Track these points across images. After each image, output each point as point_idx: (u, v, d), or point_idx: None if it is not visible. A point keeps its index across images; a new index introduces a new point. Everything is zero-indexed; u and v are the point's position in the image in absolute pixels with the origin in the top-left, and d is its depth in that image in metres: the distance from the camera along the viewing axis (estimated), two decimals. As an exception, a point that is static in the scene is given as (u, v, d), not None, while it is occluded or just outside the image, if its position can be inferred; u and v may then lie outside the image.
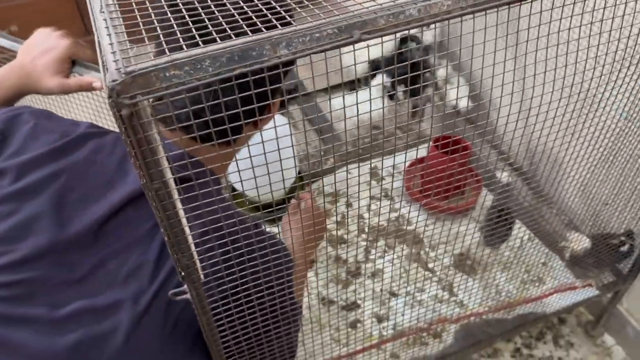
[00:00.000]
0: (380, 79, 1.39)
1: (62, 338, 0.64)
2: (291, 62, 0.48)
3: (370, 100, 0.58)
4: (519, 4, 0.49)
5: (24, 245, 0.64)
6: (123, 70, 0.39)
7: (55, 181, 0.66)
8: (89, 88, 0.86)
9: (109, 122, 1.23)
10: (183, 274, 0.57)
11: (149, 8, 0.50)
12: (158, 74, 0.40)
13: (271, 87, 0.45)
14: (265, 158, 0.51)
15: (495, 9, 0.49)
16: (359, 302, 1.19)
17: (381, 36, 0.46)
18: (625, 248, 1.16)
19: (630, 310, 1.35)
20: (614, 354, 1.37)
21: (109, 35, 0.43)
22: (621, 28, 0.63)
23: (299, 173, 1.38)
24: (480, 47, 0.57)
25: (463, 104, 1.37)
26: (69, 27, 2.19)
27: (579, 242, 1.13)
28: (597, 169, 1.04)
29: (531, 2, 0.50)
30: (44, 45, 0.85)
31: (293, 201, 0.96)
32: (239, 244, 0.58)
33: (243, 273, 0.61)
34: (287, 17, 0.47)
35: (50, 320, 0.64)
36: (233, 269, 0.60)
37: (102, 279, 0.65)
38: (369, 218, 1.37)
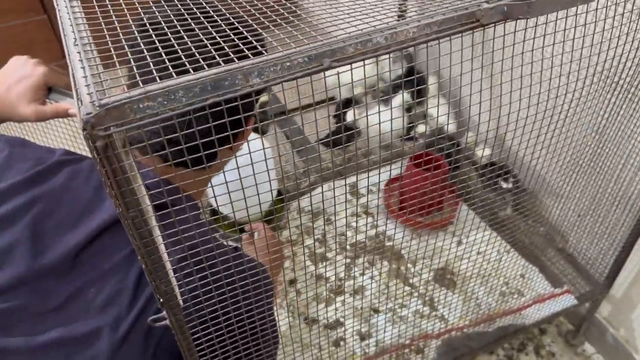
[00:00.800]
0: (400, 98, 1.44)
1: None
2: (264, 89, 0.49)
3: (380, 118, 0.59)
4: (482, 29, 0.52)
5: (0, 275, 0.63)
6: (97, 103, 0.40)
7: (31, 209, 0.66)
8: (64, 114, 0.86)
9: (86, 148, 1.22)
10: (162, 300, 0.57)
11: (123, 40, 0.50)
12: (132, 106, 0.41)
13: (245, 114, 0.46)
14: (254, 179, 0.52)
15: (460, 35, 0.51)
16: (341, 320, 1.19)
17: (350, 63, 0.48)
18: (506, 184, 1.20)
19: (609, 318, 1.37)
20: (594, 362, 1.39)
21: (83, 68, 0.44)
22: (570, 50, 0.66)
23: (279, 193, 1.39)
24: (458, 65, 0.59)
25: (452, 127, 1.40)
26: (46, 50, 2.19)
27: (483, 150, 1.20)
28: (569, 181, 1.07)
29: (493, 27, 0.52)
30: (20, 74, 0.85)
31: (244, 235, 0.96)
32: (217, 269, 0.58)
33: (222, 297, 0.61)
34: (258, 46, 0.49)
35: (28, 350, 0.64)
36: (212, 294, 0.60)
37: (80, 306, 0.65)
38: (342, 236, 1.38)
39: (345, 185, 1.41)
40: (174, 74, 0.43)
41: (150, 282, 0.55)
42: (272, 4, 0.63)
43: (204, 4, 0.62)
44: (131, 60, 0.47)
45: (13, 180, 0.67)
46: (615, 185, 1.13)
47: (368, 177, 1.36)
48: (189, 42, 0.49)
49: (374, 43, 0.48)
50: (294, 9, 0.63)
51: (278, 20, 0.59)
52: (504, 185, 1.23)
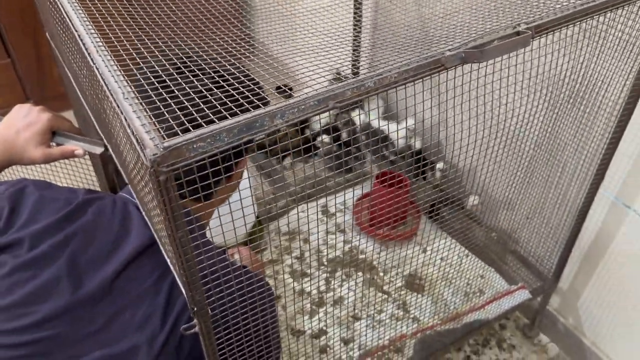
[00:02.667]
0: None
1: None
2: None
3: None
4: (446, 71, 0.65)
5: (44, 307, 0.71)
6: (161, 146, 0.51)
7: (68, 246, 0.74)
8: (71, 155, 0.95)
9: (76, 183, 1.30)
10: (195, 309, 0.67)
11: (162, 92, 0.61)
12: (188, 146, 0.52)
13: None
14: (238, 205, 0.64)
15: (429, 77, 0.65)
16: (325, 329, 1.30)
17: (349, 103, 0.60)
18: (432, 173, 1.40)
19: (559, 309, 1.54)
20: (549, 350, 1.55)
21: (139, 117, 0.54)
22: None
23: (257, 217, 1.49)
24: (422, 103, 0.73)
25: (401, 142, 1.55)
26: (10, 93, 2.22)
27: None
28: (515, 188, 1.23)
29: (454, 69, 0.66)
30: (27, 120, 0.93)
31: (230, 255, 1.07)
32: (240, 285, 0.69)
33: (244, 308, 0.72)
34: (264, 96, 0.60)
35: None
36: (234, 301, 0.70)
37: (118, 328, 0.73)
38: (320, 253, 1.49)
39: (312, 204, 1.53)
40: (216, 120, 0.54)
41: (186, 294, 0.65)
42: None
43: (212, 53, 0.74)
44: (176, 109, 0.58)
45: (48, 220, 0.75)
46: (555, 190, 1.30)
47: (338, 196, 1.48)
48: (219, 93, 0.60)
49: (366, 87, 0.61)
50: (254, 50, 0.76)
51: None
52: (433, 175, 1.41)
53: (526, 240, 1.47)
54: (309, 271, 1.42)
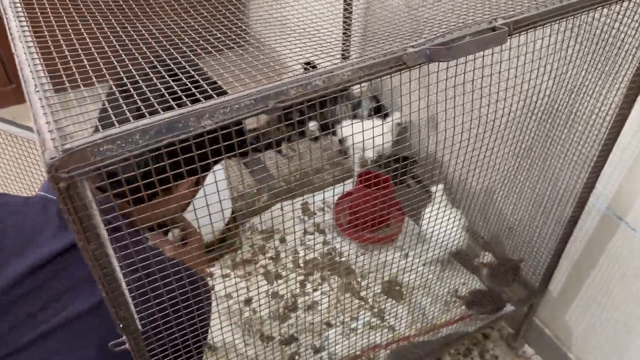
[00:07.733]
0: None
1: None
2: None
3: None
4: (408, 70, 0.58)
5: None
6: (60, 148, 0.44)
7: None
8: None
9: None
10: (122, 325, 0.60)
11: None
12: (93, 149, 0.45)
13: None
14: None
15: (390, 76, 0.57)
16: (296, 335, 1.23)
17: (292, 104, 0.53)
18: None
19: (545, 321, 1.47)
20: (534, 363, 1.48)
21: (45, 114, 0.48)
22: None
23: (233, 213, 1.43)
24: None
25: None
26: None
27: (487, 257, 1.28)
28: (499, 196, 1.16)
29: (419, 69, 0.59)
30: None
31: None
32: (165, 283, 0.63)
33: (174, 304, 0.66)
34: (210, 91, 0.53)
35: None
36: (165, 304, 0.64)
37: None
38: (296, 254, 1.42)
39: (292, 201, 1.46)
40: (131, 118, 0.47)
41: (109, 309, 0.58)
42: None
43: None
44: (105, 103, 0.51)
45: None
46: (544, 198, 1.22)
47: (317, 195, 1.41)
48: (145, 90, 0.53)
49: (313, 85, 0.53)
50: (248, 38, 0.69)
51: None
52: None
53: (513, 248, 1.40)
54: (283, 273, 1.36)
